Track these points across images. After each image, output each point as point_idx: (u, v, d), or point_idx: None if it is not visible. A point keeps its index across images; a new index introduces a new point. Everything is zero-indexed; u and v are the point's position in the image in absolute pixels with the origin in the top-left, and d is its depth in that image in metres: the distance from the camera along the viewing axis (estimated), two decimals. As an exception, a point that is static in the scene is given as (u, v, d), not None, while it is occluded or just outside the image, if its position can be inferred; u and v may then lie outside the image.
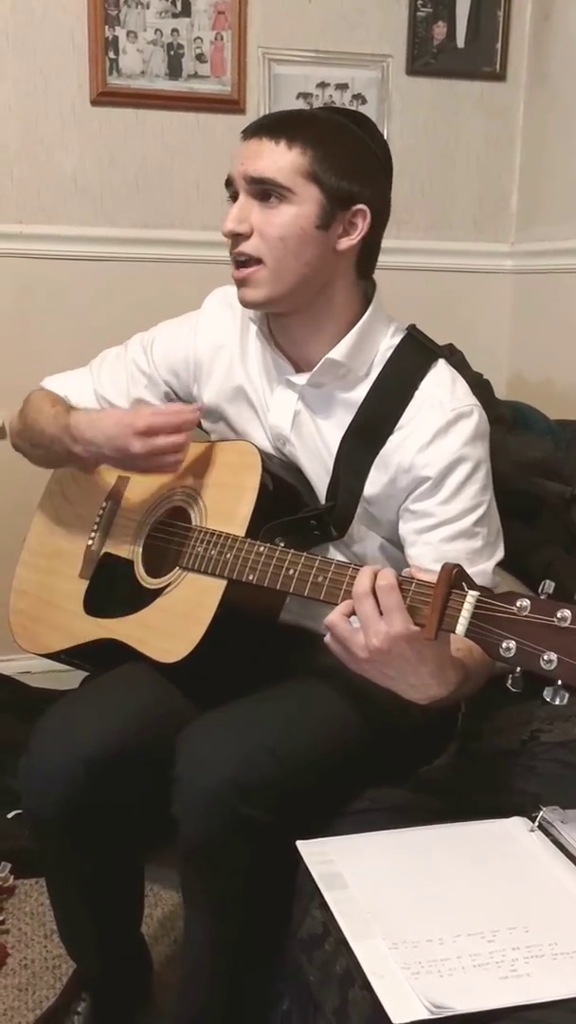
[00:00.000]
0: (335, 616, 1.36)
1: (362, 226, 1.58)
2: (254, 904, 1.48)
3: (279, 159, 1.54)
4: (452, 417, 1.57)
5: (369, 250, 1.63)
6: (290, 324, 1.65)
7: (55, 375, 1.91)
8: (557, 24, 2.83)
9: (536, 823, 1.44)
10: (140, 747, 1.55)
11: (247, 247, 1.57)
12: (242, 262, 1.58)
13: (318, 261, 1.57)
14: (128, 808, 1.59)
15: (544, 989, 1.13)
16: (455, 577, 1.29)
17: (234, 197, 1.59)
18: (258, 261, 1.57)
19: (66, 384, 1.87)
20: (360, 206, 1.57)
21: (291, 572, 1.49)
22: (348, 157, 1.56)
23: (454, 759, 1.70)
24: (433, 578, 1.30)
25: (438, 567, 1.31)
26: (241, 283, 1.60)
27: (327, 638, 1.38)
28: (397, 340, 1.65)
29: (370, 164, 1.60)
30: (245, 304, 1.63)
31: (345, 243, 1.58)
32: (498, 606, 1.25)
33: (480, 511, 1.58)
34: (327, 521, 1.63)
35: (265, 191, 1.55)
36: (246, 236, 1.57)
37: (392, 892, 1.31)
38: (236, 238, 1.58)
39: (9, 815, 2.28)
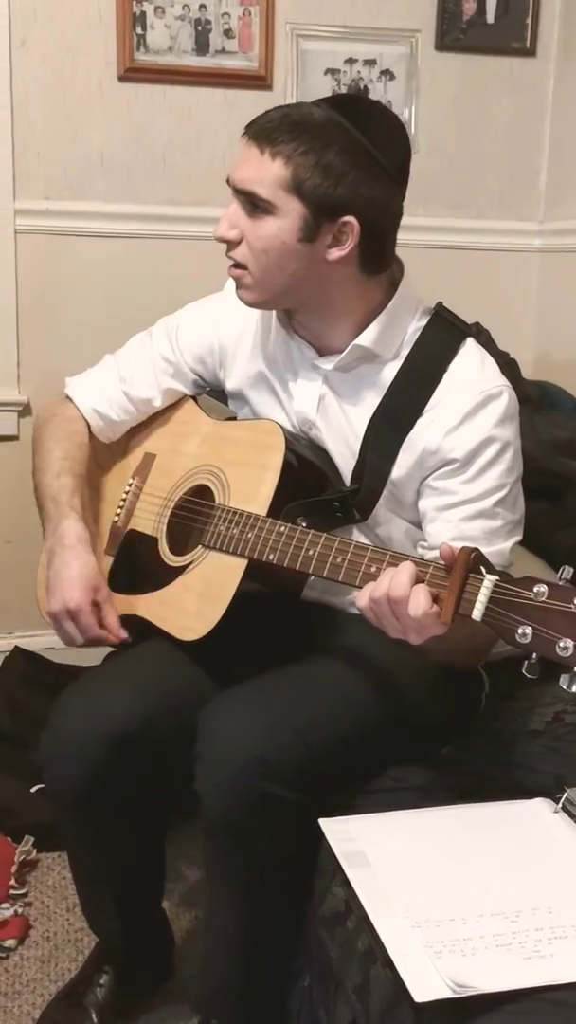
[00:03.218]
0: (363, 603, 1.36)
1: (351, 237, 1.51)
2: (276, 881, 1.49)
3: (262, 171, 1.49)
4: (481, 399, 1.55)
5: (373, 251, 1.56)
6: (302, 318, 1.65)
7: (78, 377, 1.88)
8: (588, -1, 2.80)
9: (560, 804, 1.44)
10: (161, 723, 1.55)
11: (235, 253, 1.56)
12: (234, 264, 1.58)
13: (305, 272, 1.54)
14: (149, 783, 1.60)
15: (567, 970, 1.14)
16: (473, 561, 1.29)
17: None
18: (245, 267, 1.56)
19: (91, 392, 1.83)
20: (347, 218, 1.50)
21: (311, 552, 1.48)
22: (336, 165, 1.48)
23: (478, 739, 1.70)
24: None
25: (455, 545, 1.31)
26: (235, 282, 1.60)
27: (362, 605, 1.37)
28: (425, 321, 1.62)
29: (362, 169, 1.49)
30: (242, 302, 1.62)
31: (336, 253, 1.52)
32: (515, 591, 1.24)
33: (503, 492, 1.56)
34: (350, 504, 1.61)
35: (251, 201, 1.52)
36: (236, 242, 1.55)
37: (414, 871, 1.31)
38: (228, 242, 1.56)
39: (32, 789, 2.29)
